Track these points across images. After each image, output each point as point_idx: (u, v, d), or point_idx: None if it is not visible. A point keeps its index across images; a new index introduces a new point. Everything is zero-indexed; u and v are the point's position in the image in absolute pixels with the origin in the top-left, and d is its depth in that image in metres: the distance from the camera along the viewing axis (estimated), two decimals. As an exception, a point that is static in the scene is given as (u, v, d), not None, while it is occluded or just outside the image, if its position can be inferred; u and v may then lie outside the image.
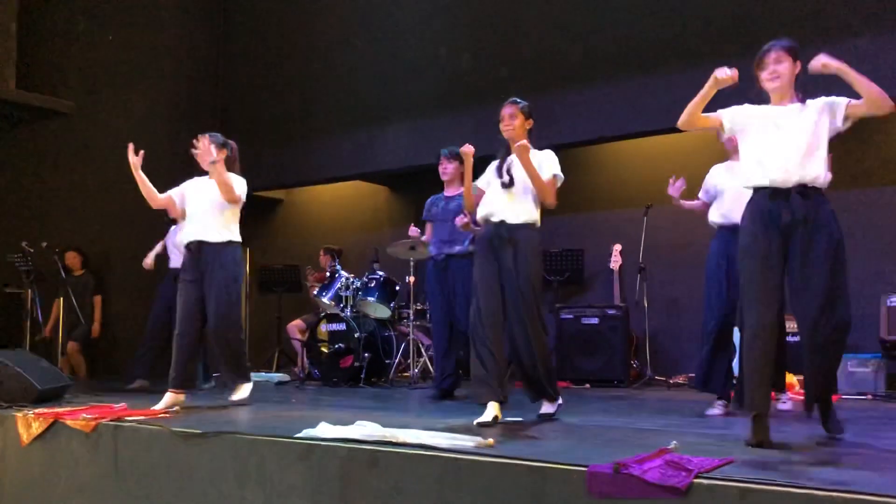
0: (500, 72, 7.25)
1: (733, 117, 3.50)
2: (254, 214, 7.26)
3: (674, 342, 6.87)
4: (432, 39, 7.78)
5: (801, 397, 5.12)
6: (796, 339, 5.58)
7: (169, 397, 4.67)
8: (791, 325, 5.03)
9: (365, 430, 3.30)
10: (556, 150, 7.38)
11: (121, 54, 8.78)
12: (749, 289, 3.32)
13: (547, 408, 4.13)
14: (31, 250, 7.34)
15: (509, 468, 2.74)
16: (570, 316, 6.68)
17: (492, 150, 6.91)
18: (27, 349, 7.09)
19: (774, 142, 3.35)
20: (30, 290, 7.37)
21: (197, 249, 4.82)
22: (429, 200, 5.80)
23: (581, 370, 6.54)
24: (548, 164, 4.15)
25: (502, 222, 4.09)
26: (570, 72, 6.95)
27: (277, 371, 7.93)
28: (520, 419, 4.02)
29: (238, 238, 4.94)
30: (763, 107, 3.45)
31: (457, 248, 5.46)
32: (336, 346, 6.63)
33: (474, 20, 7.57)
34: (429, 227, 5.81)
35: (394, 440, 3.10)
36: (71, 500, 3.94)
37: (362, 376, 6.47)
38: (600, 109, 6.77)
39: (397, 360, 6.84)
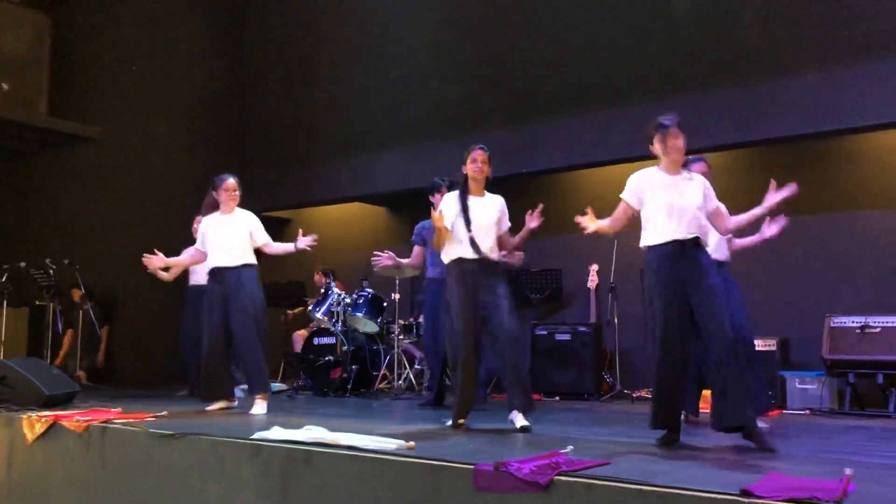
0: (484, 103, 7.75)
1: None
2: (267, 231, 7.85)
3: (642, 358, 7.24)
4: (423, 72, 8.31)
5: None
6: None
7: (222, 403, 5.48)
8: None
9: (311, 433, 3.79)
10: (535, 175, 7.90)
11: (144, 85, 9.42)
12: None
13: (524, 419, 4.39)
14: (54, 267, 7.97)
15: (415, 466, 3.20)
16: (545, 332, 7.11)
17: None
18: (48, 359, 7.73)
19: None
20: (51, 304, 8.00)
21: (220, 274, 5.46)
22: (419, 225, 6.26)
23: (554, 383, 6.96)
24: (504, 215, 4.69)
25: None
26: (547, 104, 7.42)
27: (283, 380, 8.47)
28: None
29: (254, 260, 5.58)
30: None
31: None
32: (326, 358, 7.14)
33: (462, 55, 8.08)
34: (418, 249, 6.26)
35: (327, 442, 3.58)
36: (66, 491, 4.49)
37: (349, 386, 6.97)
38: (573, 139, 7.21)
39: (382, 372, 7.31)
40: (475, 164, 4.63)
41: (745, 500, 2.45)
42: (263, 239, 5.65)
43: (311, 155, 9.27)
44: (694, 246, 3.86)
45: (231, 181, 5.64)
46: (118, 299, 8.60)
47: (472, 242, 4.51)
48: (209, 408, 5.48)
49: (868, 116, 5.94)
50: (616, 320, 7.11)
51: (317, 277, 8.28)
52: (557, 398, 6.87)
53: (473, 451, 3.52)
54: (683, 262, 3.81)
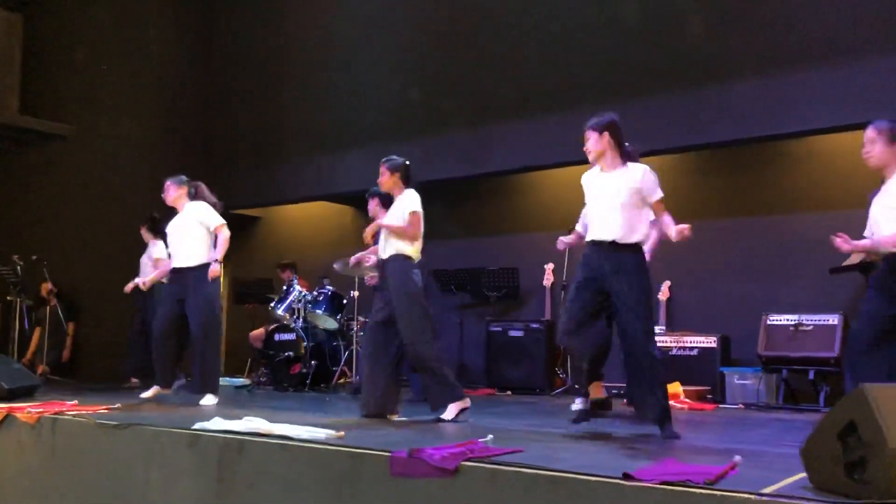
0: (443, 106, 7.94)
1: None
2: (234, 231, 8.00)
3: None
4: (386, 75, 8.50)
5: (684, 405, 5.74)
6: (684, 352, 6.22)
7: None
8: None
9: (248, 423, 3.97)
10: (490, 176, 8.09)
11: (114, 84, 9.55)
12: None
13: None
14: (21, 263, 8.10)
15: (338, 454, 3.39)
16: (499, 329, 7.33)
17: (436, 175, 7.65)
18: (15, 354, 7.86)
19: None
20: (18, 300, 8.13)
21: (180, 273, 5.70)
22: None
23: (506, 378, 7.17)
24: (405, 204, 4.85)
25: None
26: (503, 107, 7.63)
27: (248, 376, 8.64)
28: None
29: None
30: None
31: None
32: (286, 353, 7.31)
33: (422, 59, 8.29)
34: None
35: (262, 432, 3.76)
36: (18, 481, 4.64)
37: (308, 382, 7.14)
38: (529, 141, 7.41)
39: (342, 368, 7.50)
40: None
41: (627, 482, 2.65)
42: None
43: (279, 154, 9.45)
44: (610, 245, 4.04)
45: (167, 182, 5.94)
46: (84, 295, 8.73)
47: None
48: (142, 395, 5.83)
49: (806, 122, 6.18)
50: (568, 317, 7.31)
51: (282, 274, 8.43)
52: (509, 392, 7.07)
53: (398, 440, 3.70)
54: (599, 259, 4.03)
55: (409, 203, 4.82)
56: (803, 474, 2.65)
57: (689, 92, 6.66)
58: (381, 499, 3.19)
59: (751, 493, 2.43)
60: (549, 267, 7.70)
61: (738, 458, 3.12)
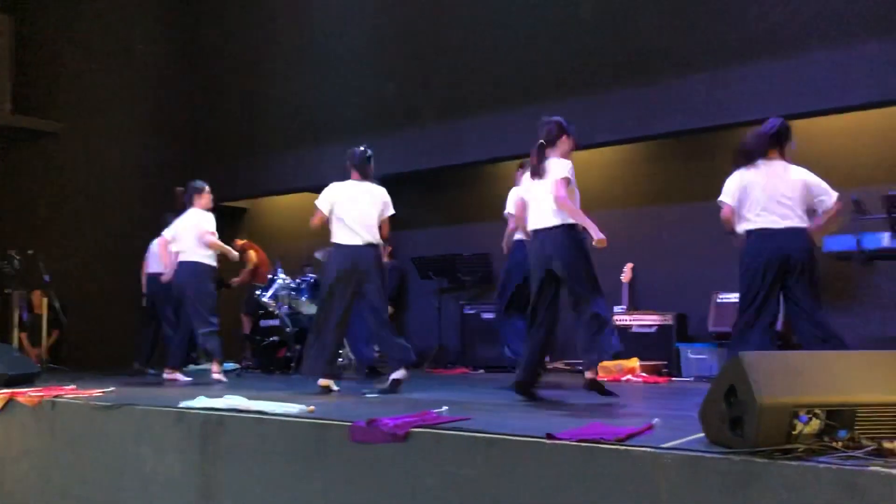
0: (416, 100, 8.33)
1: None
2: (222, 221, 8.41)
3: (563, 333, 7.87)
4: (362, 70, 8.87)
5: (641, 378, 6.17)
6: (643, 329, 6.64)
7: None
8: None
9: (228, 401, 4.38)
10: (462, 167, 8.48)
11: (103, 82, 9.91)
12: None
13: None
14: (19, 258, 8.47)
15: (305, 425, 3.81)
16: (473, 311, 7.77)
17: (411, 166, 8.04)
18: (15, 344, 8.25)
19: None
20: (16, 293, 8.51)
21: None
22: None
23: (480, 358, 7.61)
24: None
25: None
26: (473, 101, 8.03)
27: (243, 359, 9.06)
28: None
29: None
30: None
31: None
32: (272, 339, 7.73)
33: (396, 55, 8.68)
34: None
35: (240, 408, 4.18)
36: (21, 461, 5.06)
37: (293, 365, 7.56)
38: (498, 133, 7.80)
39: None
40: None
41: (548, 441, 3.07)
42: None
43: (263, 148, 9.83)
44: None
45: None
46: (79, 286, 9.11)
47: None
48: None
49: (753, 112, 6.54)
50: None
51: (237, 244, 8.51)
52: (482, 371, 7.50)
53: (362, 413, 4.12)
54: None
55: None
56: (703, 434, 3.06)
57: (646, 85, 7.05)
58: (343, 463, 3.61)
59: (649, 447, 2.85)
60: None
61: (656, 420, 3.55)
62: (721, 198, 4.74)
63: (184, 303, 6.64)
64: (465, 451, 3.26)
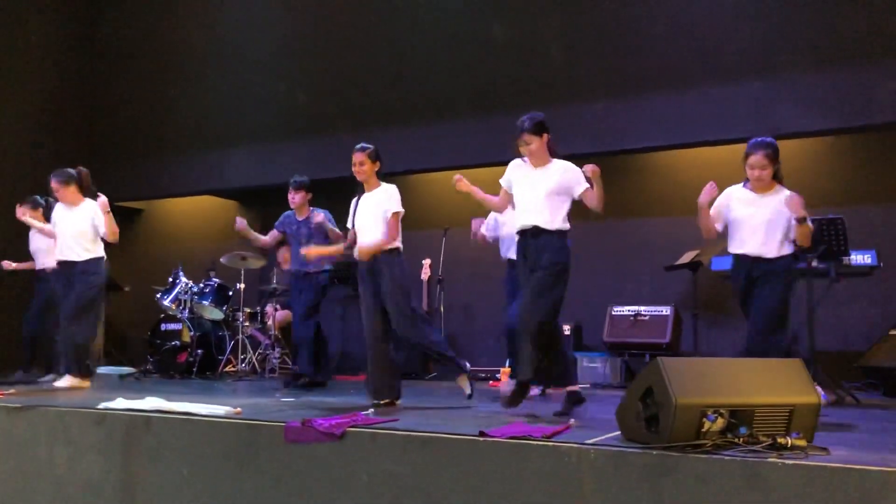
0: (328, 108, 8.44)
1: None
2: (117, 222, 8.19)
3: (469, 340, 8.18)
4: (273, 76, 8.89)
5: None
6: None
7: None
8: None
9: (151, 402, 4.38)
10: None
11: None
12: None
13: None
14: None
15: (237, 426, 3.88)
16: (378, 319, 7.89)
17: (318, 174, 8.10)
18: None
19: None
20: None
21: (65, 266, 6.03)
22: (284, 215, 6.72)
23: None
24: (389, 202, 5.01)
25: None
26: (385, 114, 8.21)
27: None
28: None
29: (100, 254, 6.13)
30: None
31: (310, 267, 6.52)
32: (172, 342, 7.61)
33: (309, 63, 8.76)
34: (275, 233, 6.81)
35: (165, 409, 4.19)
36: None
37: (195, 370, 7.48)
38: (407, 147, 8.02)
39: (227, 357, 7.86)
40: (354, 167, 5.02)
41: (481, 438, 3.31)
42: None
43: (164, 148, 9.63)
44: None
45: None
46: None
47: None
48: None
49: (648, 139, 7.09)
50: (443, 308, 8.00)
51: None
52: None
53: (290, 415, 4.22)
54: None
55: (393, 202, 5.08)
56: (619, 432, 3.38)
57: (549, 108, 7.42)
58: (275, 462, 3.71)
59: (575, 443, 3.13)
60: (427, 262, 8.32)
61: (572, 421, 3.86)
62: None
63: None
64: (401, 449, 3.44)
